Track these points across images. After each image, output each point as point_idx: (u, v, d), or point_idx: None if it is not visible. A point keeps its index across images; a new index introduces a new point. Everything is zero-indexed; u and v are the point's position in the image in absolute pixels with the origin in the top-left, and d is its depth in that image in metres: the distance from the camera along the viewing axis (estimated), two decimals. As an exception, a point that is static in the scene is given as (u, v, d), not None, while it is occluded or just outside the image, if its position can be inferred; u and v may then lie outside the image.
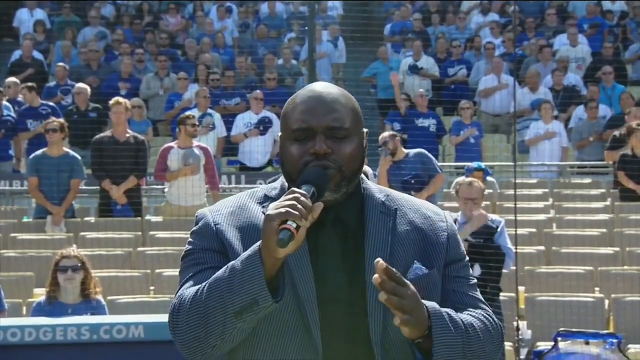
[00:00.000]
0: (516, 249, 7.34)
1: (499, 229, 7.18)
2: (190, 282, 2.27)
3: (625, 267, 8.90)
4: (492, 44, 15.35)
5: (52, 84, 14.30)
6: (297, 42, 15.89)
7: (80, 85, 12.66)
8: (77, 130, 11.44)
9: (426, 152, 9.66)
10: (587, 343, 6.43)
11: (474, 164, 9.90)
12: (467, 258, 2.45)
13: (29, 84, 12.39)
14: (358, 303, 2.26)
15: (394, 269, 2.14)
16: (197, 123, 10.30)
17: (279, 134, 2.38)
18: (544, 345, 6.94)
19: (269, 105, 13.08)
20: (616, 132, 11.38)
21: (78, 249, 7.08)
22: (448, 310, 2.25)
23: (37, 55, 15.34)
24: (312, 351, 2.24)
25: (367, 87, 14.98)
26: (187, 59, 15.79)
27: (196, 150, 9.99)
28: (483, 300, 2.40)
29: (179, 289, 2.28)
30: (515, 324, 7.21)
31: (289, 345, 2.25)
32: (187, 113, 10.67)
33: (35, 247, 9.27)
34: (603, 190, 11.58)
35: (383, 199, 2.37)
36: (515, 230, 7.31)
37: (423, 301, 2.19)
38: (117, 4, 18.34)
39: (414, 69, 14.51)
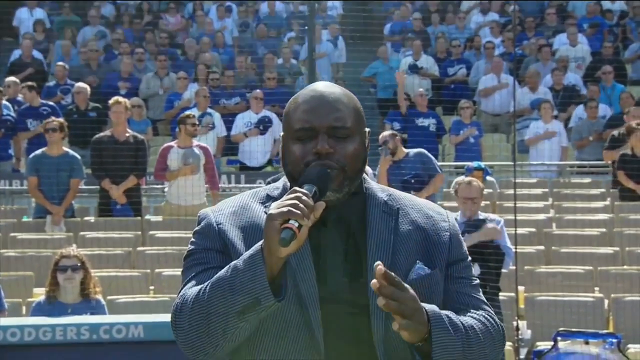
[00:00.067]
0: (516, 248, 7.35)
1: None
2: (193, 282, 2.27)
3: (625, 266, 8.90)
4: (492, 43, 15.35)
5: (51, 83, 14.29)
6: (297, 42, 15.89)
7: (80, 84, 12.66)
8: (77, 129, 11.45)
9: (426, 152, 9.66)
10: (586, 343, 6.44)
11: (474, 164, 9.91)
12: (470, 258, 2.44)
13: (29, 83, 12.39)
14: (360, 303, 2.25)
15: (392, 274, 2.14)
16: (197, 122, 10.30)
17: (281, 133, 2.38)
18: (543, 345, 6.94)
19: (268, 105, 13.08)
20: (615, 132, 11.38)
21: (78, 248, 7.09)
22: (448, 313, 2.25)
23: (36, 54, 15.34)
24: (314, 351, 2.24)
25: (367, 87, 14.98)
26: (186, 59, 15.79)
27: (196, 150, 9.99)
28: (485, 301, 2.40)
29: (182, 288, 2.29)
30: (515, 323, 7.21)
31: (291, 345, 2.25)
32: (187, 112, 10.67)
33: (35, 246, 9.27)
34: (603, 190, 11.58)
35: (385, 199, 2.37)
36: (515, 230, 7.31)
37: (422, 304, 2.18)
38: (117, 3, 18.34)
39: (414, 69, 14.51)
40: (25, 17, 16.78)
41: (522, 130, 13.22)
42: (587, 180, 12.35)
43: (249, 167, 12.80)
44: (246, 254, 2.18)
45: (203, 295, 2.19)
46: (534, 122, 13.08)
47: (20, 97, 12.69)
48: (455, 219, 2.53)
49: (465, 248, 2.44)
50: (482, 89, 14.42)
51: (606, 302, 8.06)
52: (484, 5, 17.38)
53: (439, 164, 10.12)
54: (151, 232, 9.75)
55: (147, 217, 10.46)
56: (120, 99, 10.36)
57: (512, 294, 7.63)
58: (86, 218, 10.43)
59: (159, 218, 10.31)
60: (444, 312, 2.24)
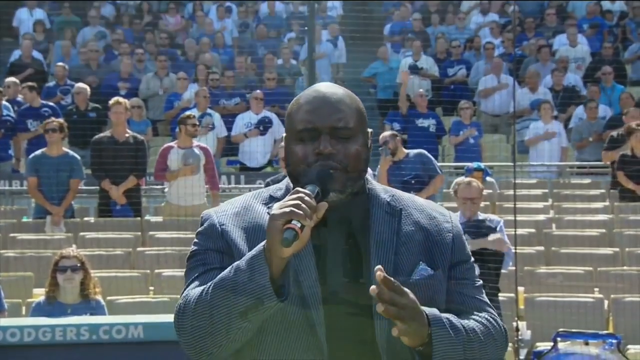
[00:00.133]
0: (516, 249, 7.35)
1: (497, 229, 7.19)
2: (196, 283, 2.27)
3: (625, 267, 8.90)
4: (492, 44, 15.35)
5: (51, 84, 14.29)
6: (297, 42, 15.89)
7: (80, 85, 12.66)
8: (77, 130, 11.45)
9: (426, 152, 9.66)
10: (586, 343, 6.43)
11: (474, 164, 9.91)
12: (473, 259, 2.44)
13: (30, 83, 12.39)
14: (363, 303, 2.25)
15: (392, 279, 2.14)
16: (197, 123, 10.30)
17: (284, 134, 2.38)
18: (543, 346, 6.94)
19: (268, 105, 13.08)
20: (614, 133, 11.39)
21: (77, 249, 7.08)
22: (449, 315, 2.25)
23: (36, 55, 15.33)
24: (317, 351, 2.24)
25: (366, 87, 14.98)
26: (186, 59, 15.80)
27: (196, 150, 9.99)
28: (488, 302, 2.39)
29: (185, 289, 2.29)
30: (514, 324, 7.21)
31: (294, 346, 2.25)
32: (188, 113, 10.67)
33: (34, 247, 9.27)
34: (602, 191, 11.58)
35: (388, 199, 2.37)
36: (515, 231, 7.31)
37: (423, 308, 2.18)
38: (116, 3, 18.34)
39: (414, 69, 14.51)
40: (25, 18, 16.78)
41: (521, 130, 13.22)
42: (586, 180, 12.35)
43: (249, 167, 12.80)
44: (249, 255, 2.18)
45: (206, 295, 2.19)
46: (534, 122, 13.08)
47: (20, 98, 12.69)
48: (455, 219, 2.52)
49: (469, 249, 2.43)
50: (482, 89, 14.42)
51: (606, 302, 8.06)
52: (484, 5, 17.38)
53: (439, 164, 10.13)
54: (151, 233, 9.75)
55: (147, 217, 10.46)
56: (121, 99, 10.37)
57: (512, 295, 7.63)
58: (86, 218, 10.43)
59: (159, 218, 10.31)
60: (444, 315, 2.24)
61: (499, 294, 7.38)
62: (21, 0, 17.17)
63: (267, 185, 7.81)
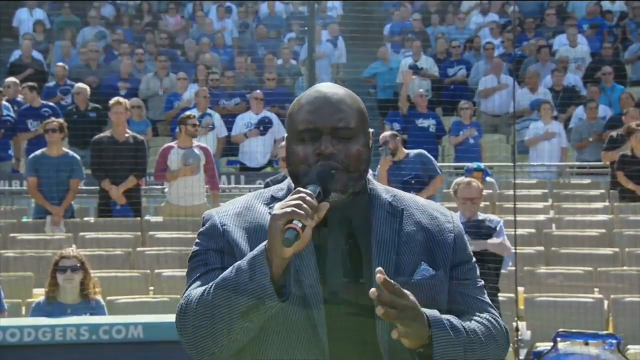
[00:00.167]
0: (515, 249, 7.35)
1: (497, 229, 7.19)
2: (198, 283, 2.28)
3: (625, 267, 8.90)
4: (492, 44, 15.35)
5: (51, 84, 14.29)
6: (297, 43, 15.89)
7: (80, 85, 12.66)
8: (77, 130, 11.45)
9: (426, 152, 9.67)
10: (586, 344, 6.43)
11: (474, 165, 9.92)
12: (475, 259, 2.44)
13: (31, 83, 12.40)
14: (364, 304, 2.25)
15: (392, 281, 2.13)
16: (197, 123, 10.31)
17: (285, 134, 2.38)
18: (543, 346, 6.94)
19: (268, 105, 13.08)
20: (613, 133, 11.39)
21: (77, 249, 7.08)
22: (449, 317, 2.25)
23: (36, 55, 15.33)
24: (318, 352, 2.24)
25: (366, 88, 14.98)
26: (186, 59, 15.80)
27: (196, 150, 9.99)
28: (490, 303, 2.39)
29: (186, 289, 2.29)
30: (514, 324, 7.21)
31: (295, 346, 2.25)
32: (188, 113, 10.67)
33: (34, 247, 9.27)
34: (602, 191, 11.59)
35: (390, 200, 2.37)
36: (515, 231, 7.31)
37: (423, 309, 2.18)
38: (116, 4, 18.34)
39: (414, 69, 14.51)
40: (25, 18, 16.78)
41: (521, 131, 13.22)
42: (586, 181, 12.35)
43: (249, 167, 12.80)
44: (250, 255, 2.19)
45: (207, 295, 2.20)
46: (534, 122, 13.08)
47: (20, 98, 12.69)
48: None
49: (470, 250, 2.43)
50: (481, 89, 14.42)
51: (606, 302, 8.06)
52: (484, 6, 17.39)
53: (439, 164, 10.13)
54: (151, 233, 9.75)
55: (147, 217, 10.46)
56: (121, 99, 10.37)
57: (512, 295, 7.63)
58: (86, 218, 10.43)
59: (159, 218, 10.31)
60: (445, 316, 2.23)
61: (499, 294, 7.38)
62: (21, 0, 17.17)
63: (267, 185, 7.81)
